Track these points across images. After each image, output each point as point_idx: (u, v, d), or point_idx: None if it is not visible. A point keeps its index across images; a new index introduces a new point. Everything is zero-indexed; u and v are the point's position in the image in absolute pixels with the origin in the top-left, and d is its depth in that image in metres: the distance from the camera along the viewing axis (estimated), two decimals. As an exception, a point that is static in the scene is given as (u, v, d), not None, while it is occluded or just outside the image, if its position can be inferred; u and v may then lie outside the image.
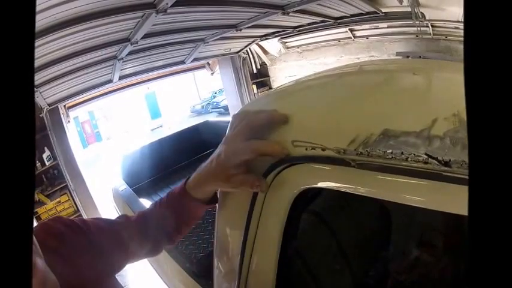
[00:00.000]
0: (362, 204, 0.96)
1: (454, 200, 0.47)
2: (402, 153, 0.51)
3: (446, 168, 0.47)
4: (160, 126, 18.23)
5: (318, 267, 1.02)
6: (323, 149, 0.61)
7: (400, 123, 0.53)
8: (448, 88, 0.54)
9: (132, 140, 13.28)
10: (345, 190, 0.62)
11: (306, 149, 0.64)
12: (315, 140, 0.63)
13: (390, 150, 0.52)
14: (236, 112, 0.84)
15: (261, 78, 8.10)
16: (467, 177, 0.43)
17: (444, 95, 0.53)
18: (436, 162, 0.48)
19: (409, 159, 0.51)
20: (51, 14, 2.56)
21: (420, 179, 0.51)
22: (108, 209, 4.59)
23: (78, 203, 5.25)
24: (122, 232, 0.84)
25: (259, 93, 7.76)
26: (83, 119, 17.49)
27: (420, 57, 5.03)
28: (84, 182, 5.39)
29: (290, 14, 4.53)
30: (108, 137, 18.73)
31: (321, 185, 0.67)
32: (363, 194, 0.59)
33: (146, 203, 3.97)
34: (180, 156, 4.65)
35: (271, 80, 8.26)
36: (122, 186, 3.35)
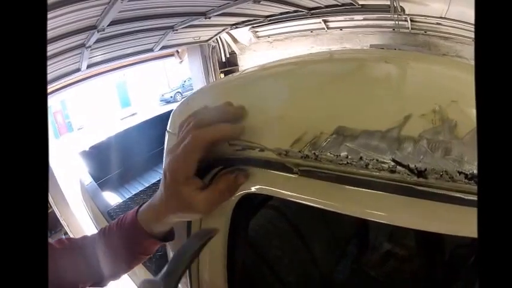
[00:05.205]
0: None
1: (432, 219, 0.36)
2: (361, 158, 0.38)
3: (420, 180, 0.35)
4: (133, 115, 17.75)
5: (279, 269, 0.96)
6: (261, 150, 0.47)
7: (360, 120, 0.40)
8: (428, 80, 0.40)
9: (101, 130, 12.88)
10: (288, 199, 0.48)
11: (243, 149, 0.50)
12: (254, 137, 0.49)
13: (345, 154, 0.39)
14: (177, 111, 0.70)
15: (229, 67, 7.85)
16: (448, 192, 0.34)
17: (422, 87, 0.40)
18: (406, 171, 0.36)
19: (370, 166, 0.38)
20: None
21: (384, 193, 0.38)
22: (78, 203, 4.40)
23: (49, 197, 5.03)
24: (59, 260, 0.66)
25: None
26: (56, 109, 16.87)
27: (395, 49, 4.99)
28: (54, 176, 5.15)
29: (261, 3, 4.39)
30: (79, 127, 18.16)
31: (260, 191, 0.52)
32: (311, 205, 0.45)
33: (112, 196, 3.84)
34: (146, 147, 4.52)
35: (239, 69, 7.94)
36: (88, 180, 3.18)
